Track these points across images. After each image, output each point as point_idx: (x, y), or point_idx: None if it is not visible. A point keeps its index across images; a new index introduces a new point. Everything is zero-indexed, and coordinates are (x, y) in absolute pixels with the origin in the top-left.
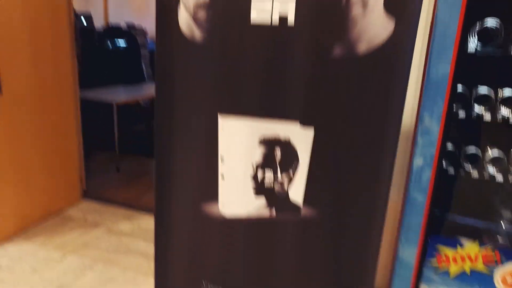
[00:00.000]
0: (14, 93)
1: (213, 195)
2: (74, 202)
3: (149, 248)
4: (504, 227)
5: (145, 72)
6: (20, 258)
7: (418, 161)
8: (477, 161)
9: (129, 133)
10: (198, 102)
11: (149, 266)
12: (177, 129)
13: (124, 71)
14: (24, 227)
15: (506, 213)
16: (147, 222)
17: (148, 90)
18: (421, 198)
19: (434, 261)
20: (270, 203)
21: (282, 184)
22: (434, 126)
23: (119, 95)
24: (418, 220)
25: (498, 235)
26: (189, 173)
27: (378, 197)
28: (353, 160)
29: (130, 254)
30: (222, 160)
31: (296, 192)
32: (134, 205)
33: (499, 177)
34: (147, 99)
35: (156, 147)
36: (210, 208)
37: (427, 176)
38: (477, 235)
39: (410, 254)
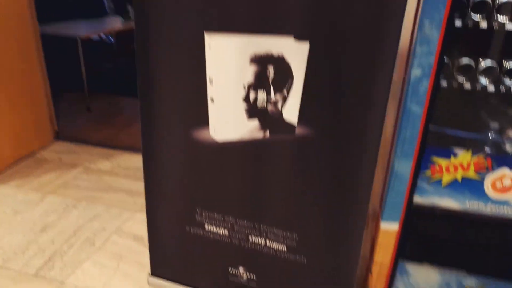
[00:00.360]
0: None
1: (203, 120)
2: (46, 143)
3: (132, 185)
4: (491, 138)
5: (106, 5)
6: None
7: (416, 72)
8: (470, 72)
9: (96, 72)
10: (182, 20)
11: (134, 201)
12: (160, 52)
13: (83, 4)
14: None
15: (494, 124)
16: (126, 160)
17: (112, 24)
18: (418, 110)
19: (428, 172)
20: (263, 125)
21: (275, 104)
22: (434, 34)
23: (81, 29)
24: (414, 133)
25: (486, 145)
26: (176, 99)
27: (375, 112)
28: (349, 74)
29: (113, 191)
30: (210, 82)
31: (291, 111)
32: (111, 144)
33: (491, 88)
34: (112, 35)
35: (139, 72)
36: (200, 134)
37: (425, 87)
38: (469, 146)
39: (405, 166)
